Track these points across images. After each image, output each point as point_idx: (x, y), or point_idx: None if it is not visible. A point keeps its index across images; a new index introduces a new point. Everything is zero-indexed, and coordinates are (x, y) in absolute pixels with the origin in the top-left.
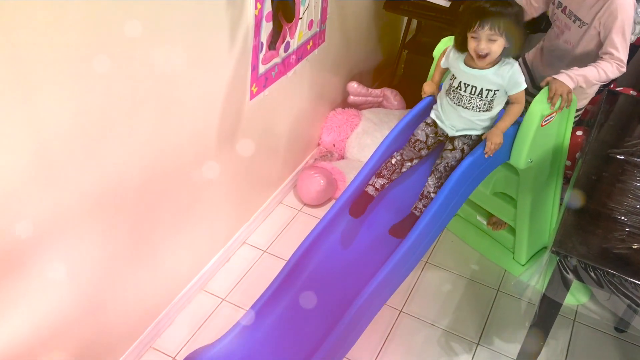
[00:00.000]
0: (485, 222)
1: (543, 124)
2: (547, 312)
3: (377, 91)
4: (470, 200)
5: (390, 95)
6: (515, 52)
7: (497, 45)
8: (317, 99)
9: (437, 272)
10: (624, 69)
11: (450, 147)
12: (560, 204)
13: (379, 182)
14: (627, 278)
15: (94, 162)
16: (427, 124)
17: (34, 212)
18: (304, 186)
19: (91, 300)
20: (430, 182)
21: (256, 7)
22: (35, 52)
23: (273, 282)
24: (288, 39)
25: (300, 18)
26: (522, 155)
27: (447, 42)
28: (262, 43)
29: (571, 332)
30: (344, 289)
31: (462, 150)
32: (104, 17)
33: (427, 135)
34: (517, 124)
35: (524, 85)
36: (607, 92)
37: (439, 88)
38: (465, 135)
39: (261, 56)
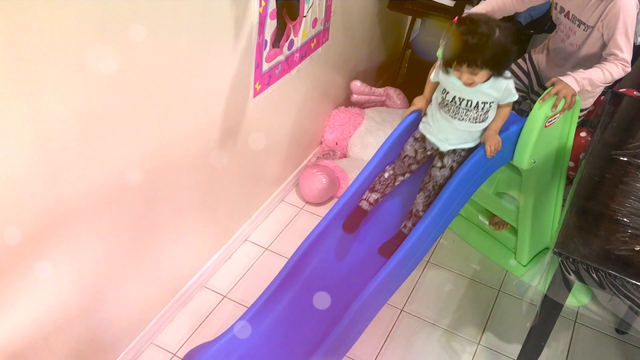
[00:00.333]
0: (487, 222)
1: (547, 124)
2: (548, 313)
3: (381, 90)
4: (472, 200)
5: (394, 94)
6: (504, 72)
7: (480, 77)
8: (320, 97)
9: (438, 272)
10: (629, 69)
11: (439, 164)
12: (563, 205)
13: (373, 196)
14: (629, 280)
15: (96, 158)
16: (416, 139)
17: (36, 208)
18: (306, 184)
19: (92, 295)
20: (418, 200)
21: (260, 5)
22: (39, 48)
23: (274, 280)
24: (292, 37)
25: (305, 16)
26: (526, 155)
27: None
28: (266, 41)
29: (572, 333)
30: (345, 288)
31: (451, 168)
32: (108, 14)
33: (416, 151)
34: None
35: (517, 96)
36: (611, 93)
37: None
38: (455, 152)
39: (265, 54)
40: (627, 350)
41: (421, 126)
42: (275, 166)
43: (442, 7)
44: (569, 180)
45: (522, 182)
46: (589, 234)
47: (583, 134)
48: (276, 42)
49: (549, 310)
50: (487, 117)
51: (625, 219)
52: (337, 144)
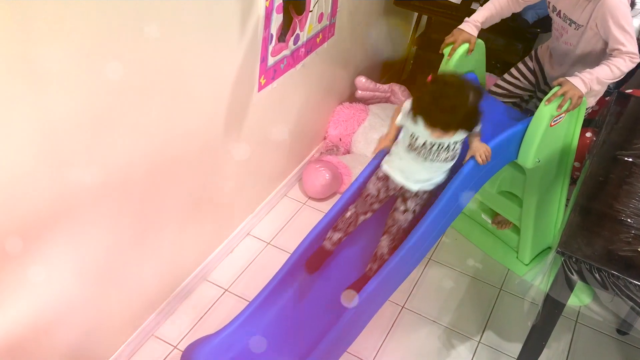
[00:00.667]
0: (490, 221)
1: (552, 124)
2: (550, 312)
3: (385, 86)
4: (475, 199)
5: (398, 91)
6: (474, 128)
7: (450, 136)
8: (325, 93)
9: (440, 269)
10: (638, 59)
11: (402, 207)
12: (566, 205)
13: (336, 236)
14: (632, 281)
15: (100, 151)
16: (379, 178)
17: (39, 199)
18: (309, 179)
19: (94, 286)
20: (383, 244)
21: None
22: (45, 42)
23: (276, 274)
24: (298, 31)
25: (311, 11)
26: (530, 154)
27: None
28: (272, 35)
29: (573, 333)
30: (347, 284)
31: (414, 211)
32: (114, 8)
33: (379, 190)
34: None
35: (480, 125)
36: (617, 93)
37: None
38: (417, 194)
39: (270, 48)
40: (628, 351)
41: (385, 166)
42: (279, 161)
43: (449, 4)
44: (573, 180)
45: (525, 181)
46: (593, 234)
47: (588, 134)
48: (282, 36)
49: (551, 309)
50: (457, 153)
51: (629, 220)
52: (340, 139)
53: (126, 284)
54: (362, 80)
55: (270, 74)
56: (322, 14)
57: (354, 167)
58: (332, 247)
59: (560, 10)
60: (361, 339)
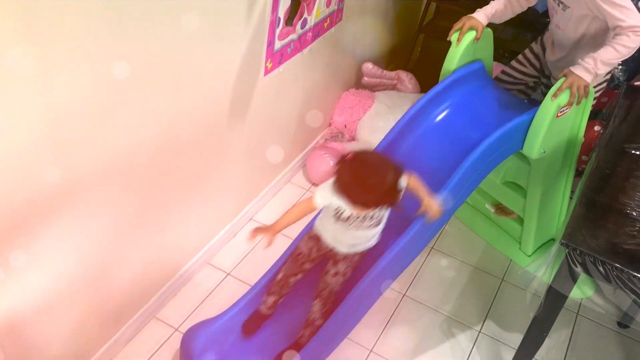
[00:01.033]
0: (493, 210)
1: (559, 114)
2: (552, 304)
3: (392, 73)
4: (479, 188)
5: (405, 78)
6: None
7: (372, 210)
8: (331, 78)
9: (442, 258)
10: None
11: (333, 270)
12: (571, 197)
13: (270, 299)
14: (636, 274)
15: (105, 132)
16: (311, 237)
17: (44, 179)
18: (313, 166)
19: (98, 267)
20: (315, 309)
21: None
22: (53, 22)
23: (279, 259)
24: (305, 15)
25: None
26: (536, 145)
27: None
28: (279, 18)
29: (573, 325)
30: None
31: (345, 274)
32: None
33: (310, 249)
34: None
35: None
36: (626, 86)
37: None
38: (347, 257)
39: (277, 32)
40: (628, 344)
41: (317, 223)
42: (283, 146)
43: None
44: (578, 172)
45: (530, 171)
46: (597, 227)
47: (597, 128)
48: (289, 20)
49: (553, 301)
50: (383, 218)
51: (634, 213)
52: (346, 126)
53: (129, 266)
54: (369, 66)
55: (276, 58)
56: None
57: None
58: (268, 310)
59: None
60: (362, 326)
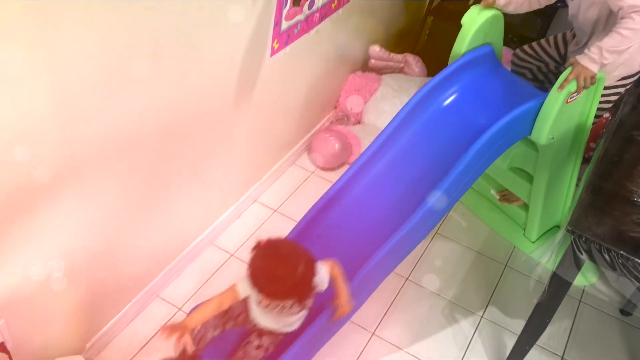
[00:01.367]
0: (498, 197)
1: (568, 100)
2: (556, 291)
3: (399, 56)
4: (484, 174)
5: (412, 62)
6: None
7: (285, 302)
8: (338, 61)
9: (446, 243)
10: None
11: (256, 342)
12: (577, 185)
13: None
14: None
15: (111, 109)
16: (243, 300)
17: (50, 154)
18: (318, 149)
19: (102, 246)
20: None
21: None
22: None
23: None
24: None
25: None
26: (544, 131)
27: (476, 10)
28: None
29: (576, 312)
30: (354, 254)
31: (267, 349)
32: None
33: (240, 312)
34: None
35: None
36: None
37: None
38: (272, 333)
39: (285, 12)
40: (631, 332)
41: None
42: (288, 128)
43: None
44: (585, 160)
45: (538, 158)
46: (603, 214)
47: (606, 115)
48: (297, 0)
49: (557, 288)
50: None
51: None
52: (351, 109)
53: (133, 244)
54: (376, 49)
55: (283, 38)
56: None
57: (364, 138)
58: None
59: None
60: (364, 309)
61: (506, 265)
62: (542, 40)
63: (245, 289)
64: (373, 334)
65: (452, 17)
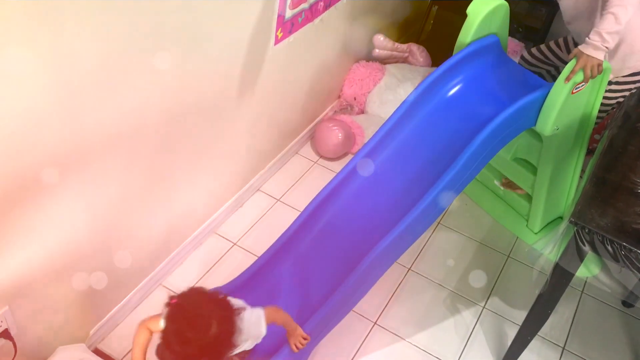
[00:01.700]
0: (502, 188)
1: (574, 91)
2: (558, 282)
3: (404, 46)
4: (488, 165)
5: (417, 51)
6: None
7: None
8: (342, 50)
9: (448, 234)
10: None
11: None
12: (581, 176)
13: None
14: None
15: (114, 97)
16: None
17: (52, 144)
18: (321, 138)
19: (105, 233)
20: None
21: None
22: None
23: (287, 230)
24: None
25: None
26: (549, 122)
27: (481, 0)
28: None
29: (578, 303)
30: (356, 244)
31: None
32: None
33: None
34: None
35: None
36: None
37: None
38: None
39: (289, 1)
40: (633, 324)
41: None
42: (292, 117)
43: None
44: (589, 151)
45: (542, 149)
46: (607, 206)
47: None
48: None
49: (559, 279)
50: (243, 344)
51: None
52: (355, 98)
53: (137, 232)
54: (380, 38)
55: (287, 27)
56: None
57: (368, 128)
58: None
59: None
60: (366, 299)
61: (508, 256)
62: (552, 43)
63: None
64: (375, 323)
65: (457, 7)
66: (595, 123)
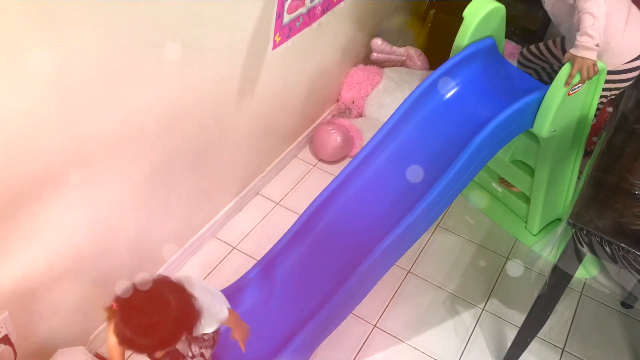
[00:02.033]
0: (500, 190)
1: (570, 92)
2: (557, 283)
3: (401, 50)
4: (486, 167)
5: (414, 55)
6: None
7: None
8: (340, 54)
9: (447, 236)
10: None
11: (190, 354)
12: (579, 178)
13: None
14: None
15: (114, 102)
16: None
17: (52, 148)
18: (320, 142)
19: (105, 238)
20: None
21: None
22: None
23: (286, 234)
24: None
25: None
26: (546, 123)
27: (479, 3)
28: None
29: (577, 305)
30: (355, 247)
31: (202, 355)
32: None
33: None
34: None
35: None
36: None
37: None
38: (197, 338)
39: (287, 5)
40: (631, 325)
41: None
42: (290, 121)
43: None
44: (587, 152)
45: (539, 150)
46: (605, 207)
47: (609, 109)
48: None
49: (558, 280)
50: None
51: None
52: (353, 102)
53: (136, 238)
54: (378, 42)
55: (285, 31)
56: None
57: (366, 131)
58: None
59: None
60: (366, 302)
61: (507, 258)
62: (549, 41)
63: None
64: (375, 326)
65: (454, 10)
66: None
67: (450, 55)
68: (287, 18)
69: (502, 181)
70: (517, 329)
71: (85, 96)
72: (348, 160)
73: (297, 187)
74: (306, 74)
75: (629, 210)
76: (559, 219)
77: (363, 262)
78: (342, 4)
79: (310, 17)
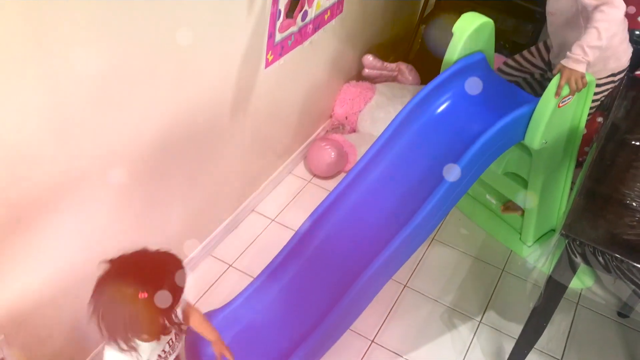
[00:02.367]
0: (494, 202)
1: (560, 104)
2: (552, 294)
3: (393, 65)
4: (480, 180)
5: (406, 70)
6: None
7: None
8: (332, 71)
9: (443, 249)
10: (618, 5)
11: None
12: (571, 188)
13: None
14: (635, 264)
15: (107, 122)
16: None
17: (46, 169)
18: (314, 157)
19: (100, 259)
20: None
21: None
22: (54, 10)
23: (282, 250)
24: (306, 7)
25: None
26: (537, 136)
27: (467, 18)
28: (279, 10)
29: (574, 315)
30: (351, 262)
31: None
32: None
33: None
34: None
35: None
36: (626, 77)
37: None
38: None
39: (278, 24)
40: (628, 334)
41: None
42: (284, 138)
43: None
44: (579, 163)
45: (531, 162)
46: (597, 217)
47: (600, 119)
48: (290, 12)
49: (553, 291)
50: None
51: (634, 204)
52: (347, 118)
53: None
54: (369, 58)
55: (277, 50)
56: None
57: (360, 146)
58: None
59: None
60: (363, 317)
61: (503, 269)
62: (525, 52)
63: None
64: (372, 341)
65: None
66: None
67: (441, 70)
68: (279, 37)
69: (505, 209)
70: (515, 341)
71: (79, 117)
72: (343, 175)
73: (293, 203)
74: (299, 91)
75: (621, 220)
76: (553, 230)
77: (360, 277)
78: (333, 21)
79: (302, 35)
